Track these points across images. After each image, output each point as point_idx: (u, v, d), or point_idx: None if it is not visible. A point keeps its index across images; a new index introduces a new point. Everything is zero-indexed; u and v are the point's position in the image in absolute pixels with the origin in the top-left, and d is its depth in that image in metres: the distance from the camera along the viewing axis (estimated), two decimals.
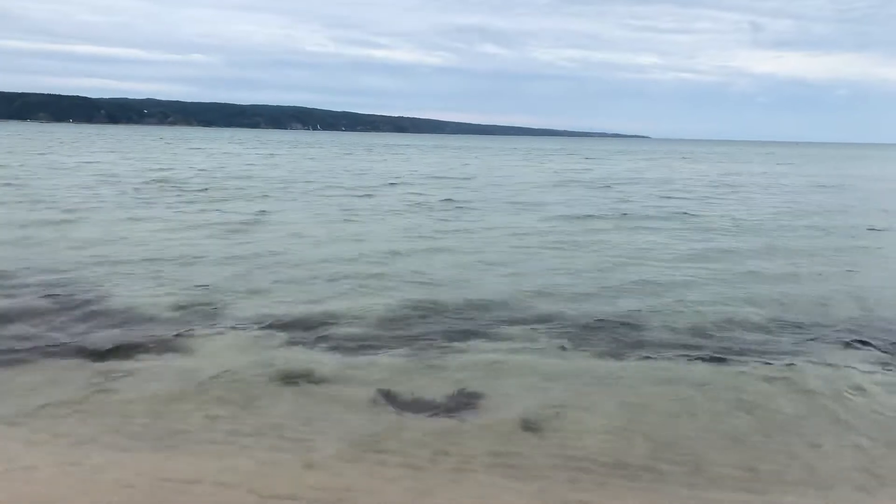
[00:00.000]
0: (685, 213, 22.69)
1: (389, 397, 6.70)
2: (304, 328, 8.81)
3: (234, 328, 8.76)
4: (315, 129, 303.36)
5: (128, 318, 9.13)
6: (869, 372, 7.74)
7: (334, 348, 8.11)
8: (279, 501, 4.88)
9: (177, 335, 8.42)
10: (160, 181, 30.14)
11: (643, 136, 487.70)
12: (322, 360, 7.65)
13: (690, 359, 7.97)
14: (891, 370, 7.80)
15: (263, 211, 20.65)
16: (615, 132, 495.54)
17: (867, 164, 73.82)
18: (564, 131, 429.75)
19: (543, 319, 9.47)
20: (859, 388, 7.22)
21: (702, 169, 55.52)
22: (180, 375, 7.11)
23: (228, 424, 6.05)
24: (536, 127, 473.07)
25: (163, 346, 8.00)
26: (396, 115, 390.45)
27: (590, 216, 21.52)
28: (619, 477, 5.38)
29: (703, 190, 33.64)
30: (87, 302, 9.78)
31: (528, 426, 6.12)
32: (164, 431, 5.91)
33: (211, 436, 5.85)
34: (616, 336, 8.80)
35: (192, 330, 8.63)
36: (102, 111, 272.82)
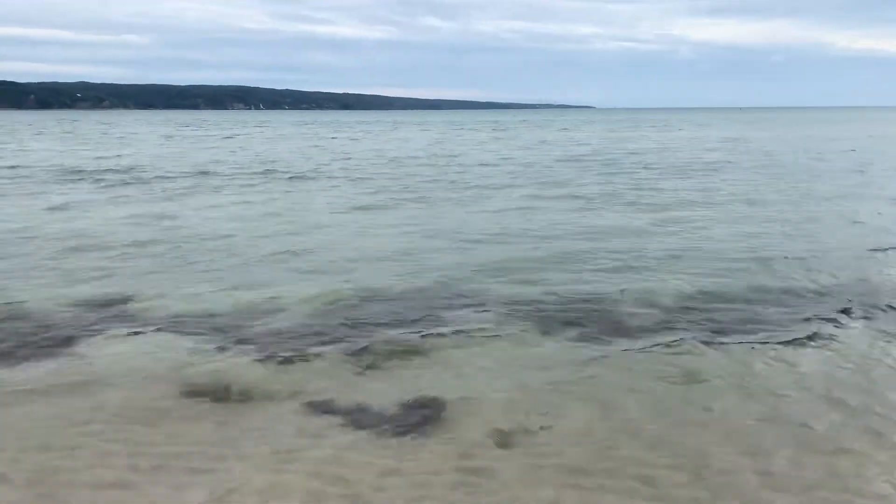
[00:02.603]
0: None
1: (328, 410, 5.65)
2: (221, 327, 7.67)
3: (137, 331, 7.53)
4: (257, 108, 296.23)
5: (10, 318, 7.88)
6: (868, 345, 7.04)
7: (259, 351, 6.96)
8: None
9: (68, 341, 7.21)
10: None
11: (588, 107, 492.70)
12: (244, 367, 6.54)
13: (672, 342, 7.16)
14: (891, 342, 7.06)
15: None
16: (560, 103, 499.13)
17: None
18: (510, 104, 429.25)
19: (502, 303, 8.50)
20: (862, 365, 6.53)
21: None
22: (67, 394, 5.94)
23: (125, 457, 4.88)
24: (482, 100, 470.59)
25: (49, 355, 6.82)
26: (341, 92, 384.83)
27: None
28: (609, 490, 4.56)
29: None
30: None
31: (497, 435, 5.21)
32: (39, 472, 4.68)
33: (100, 474, 4.66)
34: (586, 319, 7.91)
35: (87, 334, 7.43)
36: (32, 96, 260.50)
